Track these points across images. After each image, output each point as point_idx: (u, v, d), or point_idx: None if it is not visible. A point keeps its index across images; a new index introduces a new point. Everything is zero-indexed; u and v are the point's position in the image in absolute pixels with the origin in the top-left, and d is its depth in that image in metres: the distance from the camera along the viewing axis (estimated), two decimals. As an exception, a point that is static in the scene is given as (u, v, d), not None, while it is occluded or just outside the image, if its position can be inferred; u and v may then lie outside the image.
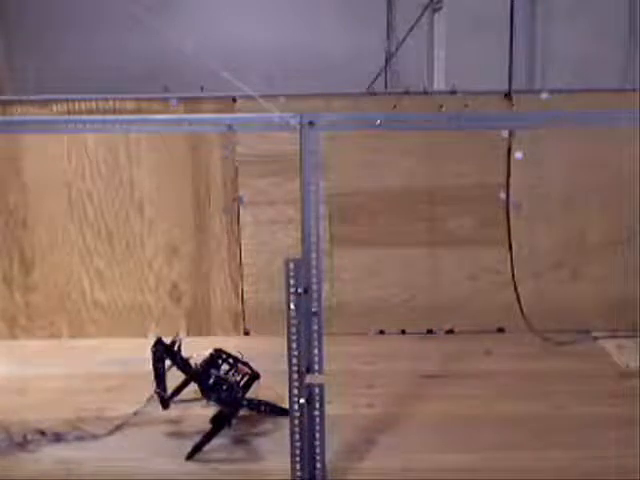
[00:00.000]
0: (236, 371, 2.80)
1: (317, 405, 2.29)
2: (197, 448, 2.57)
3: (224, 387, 2.68)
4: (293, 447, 2.32)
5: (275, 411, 2.77)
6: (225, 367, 2.81)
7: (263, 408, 2.77)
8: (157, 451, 2.63)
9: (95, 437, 2.72)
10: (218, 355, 2.82)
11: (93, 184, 3.73)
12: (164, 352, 2.72)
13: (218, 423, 2.60)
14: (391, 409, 2.93)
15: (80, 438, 2.71)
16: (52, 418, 2.84)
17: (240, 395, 2.71)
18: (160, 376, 2.73)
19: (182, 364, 2.74)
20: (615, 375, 3.26)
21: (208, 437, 2.59)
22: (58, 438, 2.70)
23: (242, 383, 2.77)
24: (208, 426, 2.60)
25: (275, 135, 3.56)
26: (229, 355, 2.85)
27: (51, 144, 3.68)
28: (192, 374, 2.75)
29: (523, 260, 3.73)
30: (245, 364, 2.84)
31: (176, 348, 2.75)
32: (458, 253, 3.79)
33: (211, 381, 2.68)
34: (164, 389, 2.75)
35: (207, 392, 2.68)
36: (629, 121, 2.41)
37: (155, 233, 3.77)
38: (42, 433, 2.70)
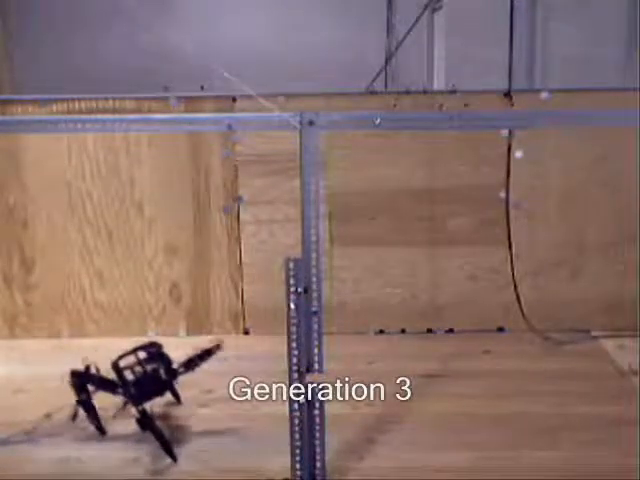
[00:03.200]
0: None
1: (317, 405, 2.29)
2: (168, 450, 2.57)
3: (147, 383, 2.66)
4: (293, 447, 2.32)
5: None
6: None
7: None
8: (157, 451, 2.63)
9: (95, 436, 2.72)
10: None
11: (93, 184, 3.73)
12: (83, 381, 2.68)
13: (146, 422, 2.59)
14: (391, 409, 2.93)
15: (79, 438, 2.71)
16: (52, 418, 2.84)
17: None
18: (88, 406, 2.70)
19: (106, 385, 2.68)
20: (615, 375, 3.26)
21: (160, 437, 2.58)
22: (58, 437, 2.70)
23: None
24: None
25: (275, 134, 3.55)
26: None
27: (51, 144, 3.68)
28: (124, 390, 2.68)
29: (523, 260, 3.73)
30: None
31: (91, 372, 2.70)
32: (458, 253, 3.78)
33: (133, 389, 2.64)
34: (96, 416, 2.72)
35: (137, 399, 2.63)
36: (629, 121, 2.41)
37: (155, 233, 3.77)
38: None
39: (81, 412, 2.70)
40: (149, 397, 2.64)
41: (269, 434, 2.68)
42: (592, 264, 3.75)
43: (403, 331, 3.83)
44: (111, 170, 3.72)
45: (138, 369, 2.66)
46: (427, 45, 5.79)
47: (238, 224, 3.79)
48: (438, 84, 5.43)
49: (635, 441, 2.57)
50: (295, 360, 2.27)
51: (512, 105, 3.61)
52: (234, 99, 3.61)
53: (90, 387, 2.69)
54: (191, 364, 2.77)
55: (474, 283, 3.80)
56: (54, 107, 3.62)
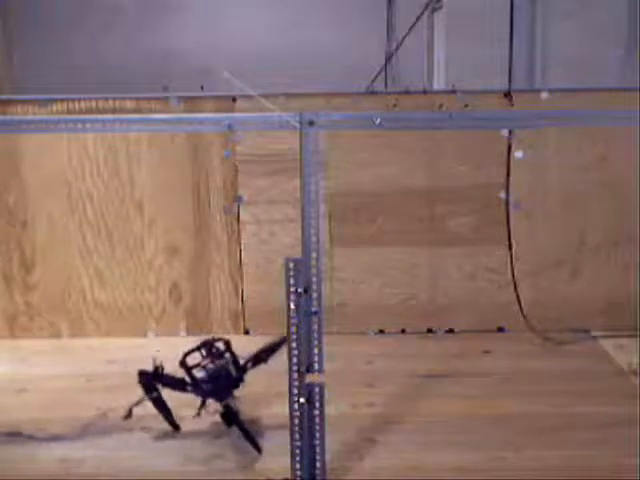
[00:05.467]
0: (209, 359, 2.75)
1: (317, 405, 2.29)
2: (253, 443, 2.60)
3: (217, 380, 2.67)
4: (293, 447, 2.32)
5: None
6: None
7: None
8: (157, 451, 2.63)
9: (95, 436, 2.72)
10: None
11: (93, 184, 3.73)
12: (152, 381, 2.69)
13: (230, 416, 2.62)
14: (391, 409, 2.93)
15: (80, 437, 2.71)
16: (52, 418, 2.84)
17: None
18: (160, 404, 2.72)
19: (176, 384, 2.70)
20: (615, 375, 3.26)
21: (244, 430, 2.61)
22: (58, 438, 2.71)
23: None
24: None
25: (275, 134, 3.56)
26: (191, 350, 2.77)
27: (51, 144, 3.68)
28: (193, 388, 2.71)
29: (523, 260, 3.73)
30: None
31: (160, 371, 2.70)
32: (458, 253, 3.78)
33: (206, 385, 2.66)
34: (169, 414, 2.74)
35: (212, 396, 2.67)
36: (629, 121, 2.41)
37: (155, 233, 3.77)
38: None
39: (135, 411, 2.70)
40: (226, 393, 2.66)
41: (269, 434, 2.68)
42: (592, 264, 3.75)
43: (403, 331, 3.83)
44: (111, 170, 3.72)
45: (210, 366, 2.68)
46: (427, 45, 5.80)
47: (238, 224, 3.79)
48: (438, 84, 5.44)
49: (635, 441, 2.57)
50: (295, 360, 2.27)
51: (512, 105, 3.61)
52: (234, 99, 3.61)
53: (159, 386, 2.70)
54: (258, 359, 2.77)
55: (474, 283, 3.80)
56: (54, 107, 3.62)
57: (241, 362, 2.73)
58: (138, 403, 2.68)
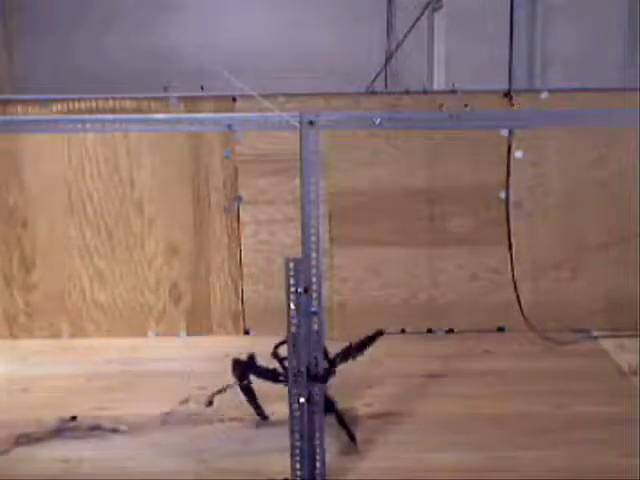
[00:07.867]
0: None
1: (317, 405, 2.29)
2: (350, 434, 2.61)
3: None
4: (293, 447, 2.32)
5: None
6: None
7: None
8: (156, 451, 2.63)
9: (94, 436, 2.72)
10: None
11: (93, 184, 3.73)
12: (245, 370, 2.72)
13: (329, 407, 2.59)
14: (391, 409, 2.93)
15: (79, 437, 2.71)
16: (52, 417, 2.84)
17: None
18: (251, 394, 2.75)
19: (268, 374, 2.72)
20: (615, 375, 3.26)
21: (341, 420, 2.62)
22: (57, 437, 2.71)
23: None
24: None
25: (275, 134, 3.56)
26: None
27: (51, 144, 3.68)
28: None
29: (523, 260, 3.73)
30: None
31: (254, 361, 2.73)
32: (458, 253, 3.78)
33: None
34: (257, 403, 2.76)
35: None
36: (629, 121, 2.41)
37: (155, 233, 3.77)
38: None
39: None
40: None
41: (269, 434, 2.68)
42: (592, 264, 3.75)
43: (403, 331, 3.83)
44: (111, 170, 3.72)
45: None
46: (427, 45, 5.81)
47: (238, 224, 3.79)
48: (438, 84, 5.44)
49: (635, 441, 2.57)
50: (295, 360, 2.27)
51: (512, 105, 3.61)
52: (234, 99, 3.61)
53: (252, 376, 2.73)
54: (347, 355, 2.74)
55: (474, 283, 3.80)
56: (54, 107, 3.62)
57: (330, 356, 2.69)
58: (220, 392, 2.71)
